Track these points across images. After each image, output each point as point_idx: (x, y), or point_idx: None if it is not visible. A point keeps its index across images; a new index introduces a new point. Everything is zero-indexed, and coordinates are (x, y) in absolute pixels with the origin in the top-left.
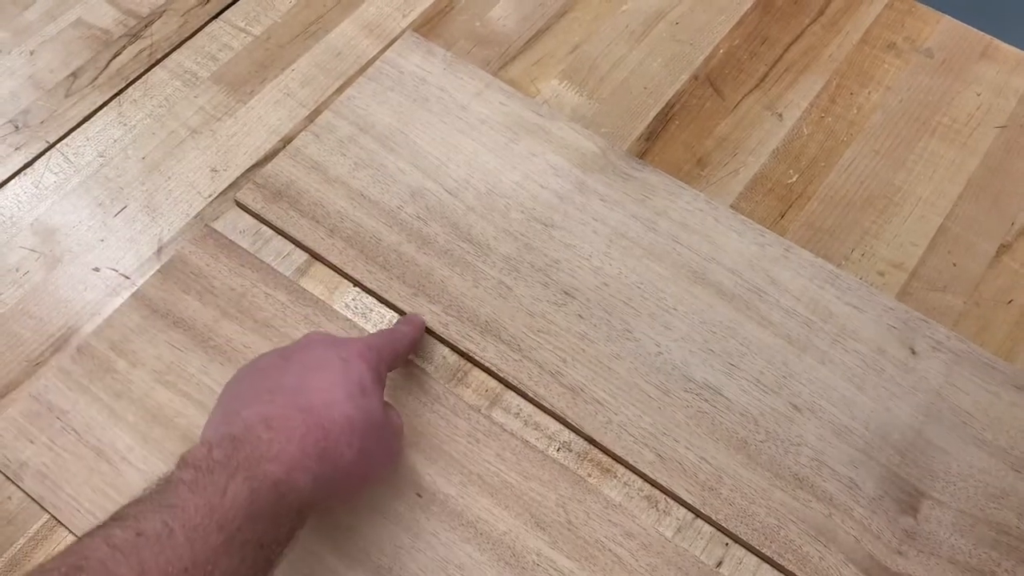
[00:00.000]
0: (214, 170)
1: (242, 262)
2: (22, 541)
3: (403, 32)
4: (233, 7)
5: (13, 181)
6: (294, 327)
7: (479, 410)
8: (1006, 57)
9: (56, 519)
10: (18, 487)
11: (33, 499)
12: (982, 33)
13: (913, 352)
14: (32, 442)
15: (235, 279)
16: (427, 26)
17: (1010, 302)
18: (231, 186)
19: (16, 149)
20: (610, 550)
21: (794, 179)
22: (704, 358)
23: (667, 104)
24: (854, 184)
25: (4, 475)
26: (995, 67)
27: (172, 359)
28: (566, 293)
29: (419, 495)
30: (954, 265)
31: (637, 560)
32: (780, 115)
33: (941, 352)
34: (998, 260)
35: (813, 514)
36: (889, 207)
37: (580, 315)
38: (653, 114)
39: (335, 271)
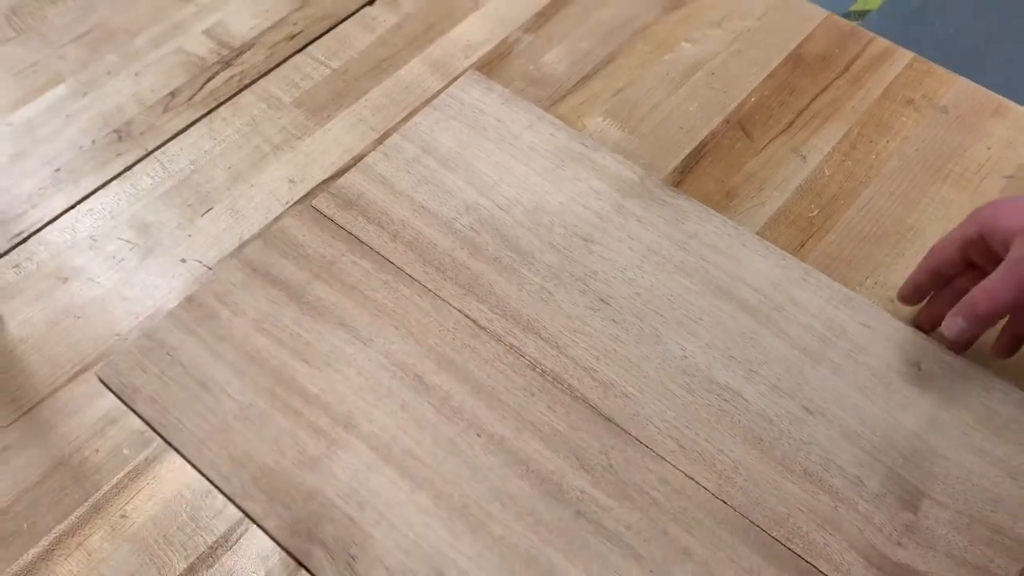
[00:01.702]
0: (292, 181)
1: (333, 235)
2: (138, 460)
3: (465, 71)
4: (315, 43)
5: (115, 182)
6: (375, 290)
7: (535, 367)
8: (1016, 116)
9: (163, 438)
10: (131, 408)
11: (144, 419)
12: (995, 94)
13: (919, 368)
14: (144, 372)
15: (326, 248)
16: (487, 67)
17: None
18: (306, 195)
19: (119, 155)
20: (646, 492)
21: (815, 213)
22: (726, 363)
23: (700, 143)
24: (870, 221)
25: (120, 398)
26: (1005, 124)
27: (269, 311)
28: (602, 300)
29: (479, 435)
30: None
31: (670, 502)
32: (804, 157)
33: (945, 370)
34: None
35: (820, 505)
36: (902, 243)
37: (613, 320)
38: (687, 151)
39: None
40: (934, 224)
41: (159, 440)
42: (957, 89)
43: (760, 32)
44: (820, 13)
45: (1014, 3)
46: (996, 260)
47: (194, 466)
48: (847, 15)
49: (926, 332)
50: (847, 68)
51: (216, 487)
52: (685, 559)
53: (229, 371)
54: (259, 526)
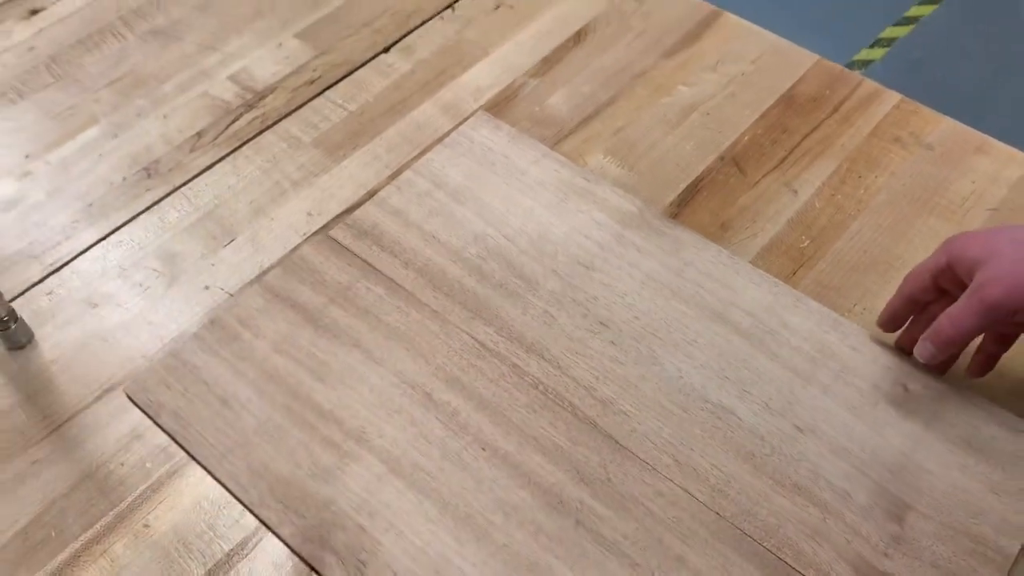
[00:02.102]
0: (309, 214)
1: (349, 262)
2: (160, 473)
3: (474, 112)
4: (333, 87)
5: (143, 215)
6: (387, 314)
7: (537, 386)
8: (999, 153)
9: (186, 451)
10: (156, 423)
11: (168, 433)
12: (978, 132)
13: (906, 389)
14: (169, 389)
15: (342, 275)
16: (495, 108)
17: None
18: (323, 227)
19: (148, 190)
20: (643, 504)
21: (806, 244)
22: (720, 383)
23: (696, 178)
24: (859, 251)
25: (146, 412)
26: (988, 159)
27: (287, 333)
28: (602, 323)
29: (483, 449)
30: None
31: (665, 513)
32: (796, 191)
33: (930, 391)
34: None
35: (810, 517)
36: (889, 271)
37: (613, 342)
38: (684, 185)
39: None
40: (920, 254)
41: (181, 454)
42: (942, 128)
43: (754, 76)
44: (811, 57)
45: (1017, 54)
46: (963, 287)
47: (215, 477)
48: (850, 65)
49: (908, 355)
50: (837, 108)
51: (235, 497)
52: (680, 567)
53: (249, 389)
54: (274, 533)
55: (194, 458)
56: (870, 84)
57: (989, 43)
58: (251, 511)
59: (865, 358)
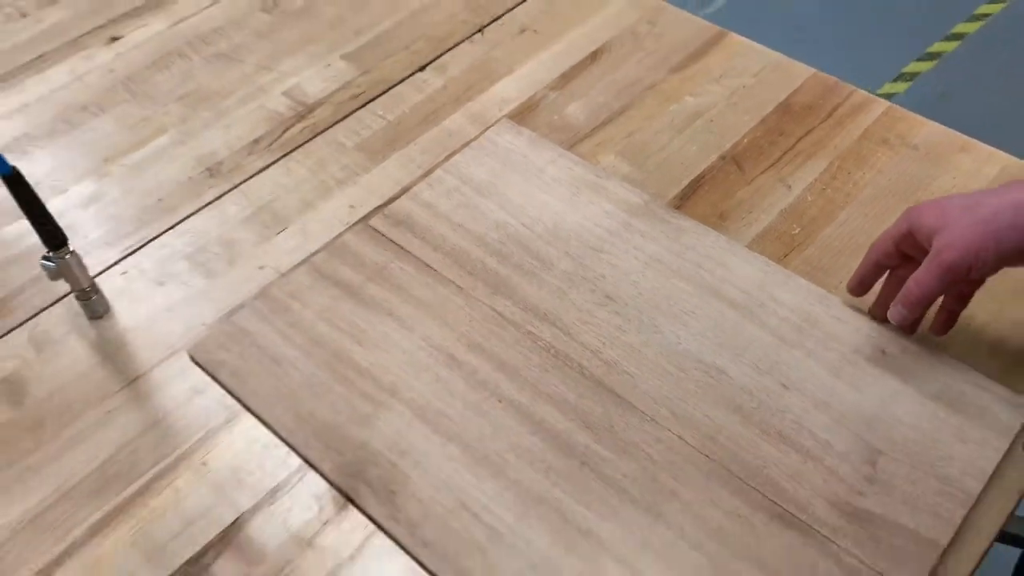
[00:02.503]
0: (351, 207)
1: (385, 247)
2: (218, 421)
3: (499, 120)
4: (375, 101)
5: (206, 209)
6: (417, 289)
7: (549, 350)
8: (979, 151)
9: (241, 402)
10: (215, 379)
11: (225, 387)
12: (962, 134)
13: (883, 353)
14: (227, 351)
15: (379, 257)
16: (517, 117)
17: (968, 324)
18: (363, 218)
19: (210, 188)
20: (642, 449)
21: (797, 231)
22: (713, 348)
23: (698, 175)
24: (846, 237)
25: (206, 371)
26: (970, 158)
27: (330, 304)
28: (608, 297)
29: (499, 401)
30: None
31: (662, 456)
32: (789, 186)
33: (907, 354)
34: None
35: (792, 461)
36: None
37: (618, 313)
38: (686, 182)
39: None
40: None
41: (236, 406)
42: (928, 131)
43: (755, 87)
44: (808, 71)
45: None
46: (923, 251)
47: (265, 423)
48: None
49: (879, 321)
50: (830, 115)
51: (282, 439)
52: (673, 499)
53: (297, 350)
54: (316, 469)
55: (248, 408)
56: (861, 94)
57: (1011, 79)
58: (296, 451)
59: (847, 327)
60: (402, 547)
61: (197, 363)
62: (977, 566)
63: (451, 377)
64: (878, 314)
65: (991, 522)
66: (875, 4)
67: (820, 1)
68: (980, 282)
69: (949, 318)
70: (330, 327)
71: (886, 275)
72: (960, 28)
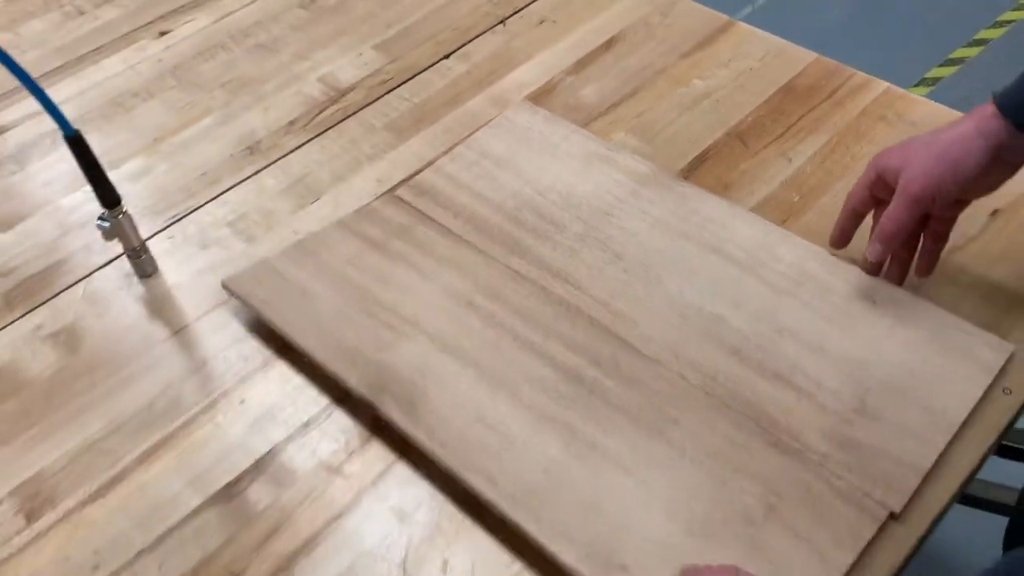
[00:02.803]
0: (379, 180)
1: (409, 213)
2: (254, 366)
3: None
4: (402, 86)
5: (246, 182)
6: (439, 248)
7: (561, 303)
8: None
9: (273, 325)
10: (248, 304)
11: (257, 310)
12: (957, 111)
13: (873, 301)
14: (260, 284)
15: (403, 220)
16: (535, 99)
17: (955, 283)
18: (389, 190)
19: (250, 163)
20: (646, 384)
21: (796, 199)
22: (714, 299)
23: (704, 150)
24: (842, 204)
25: (243, 299)
26: None
27: (357, 253)
28: (617, 255)
29: (515, 339)
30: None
31: (664, 390)
32: (790, 159)
33: (895, 303)
34: (948, 257)
35: (786, 397)
36: (868, 220)
37: (625, 270)
38: (693, 156)
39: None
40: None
41: (270, 352)
42: (925, 109)
43: (760, 71)
44: (811, 55)
45: None
46: (893, 193)
47: (297, 345)
48: None
49: (869, 271)
50: (831, 95)
51: (312, 358)
52: (675, 426)
53: (325, 287)
54: (343, 384)
55: (280, 329)
56: (861, 75)
57: None
58: (324, 367)
59: (840, 280)
60: (422, 450)
61: (229, 290)
62: (956, 495)
63: (468, 317)
64: (872, 270)
65: (971, 453)
66: (899, 9)
67: (846, 7)
68: (952, 219)
69: (930, 258)
70: (356, 270)
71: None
72: (983, 34)
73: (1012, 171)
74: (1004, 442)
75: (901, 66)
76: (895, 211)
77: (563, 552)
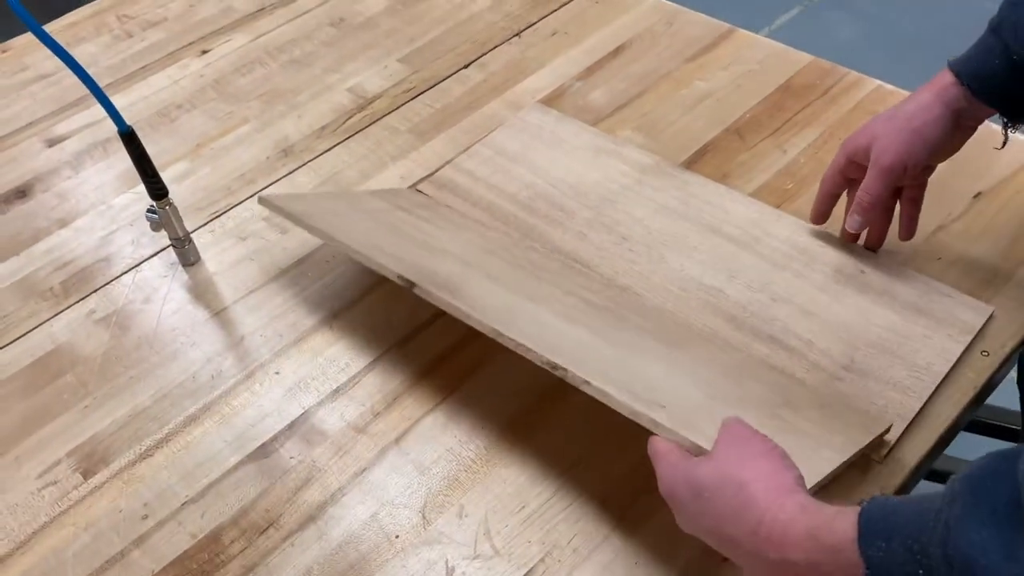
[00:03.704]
0: (402, 178)
1: (428, 203)
2: (287, 341)
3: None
4: (424, 93)
5: (280, 181)
6: (459, 227)
7: (571, 265)
8: None
9: (312, 229)
10: (289, 214)
11: (298, 219)
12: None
13: (863, 271)
14: (298, 202)
15: (424, 201)
16: (546, 102)
17: (939, 258)
18: (412, 186)
19: (284, 165)
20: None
21: (790, 186)
22: (712, 272)
23: (704, 144)
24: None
25: (282, 210)
26: None
27: (387, 209)
28: (623, 237)
29: (538, 279)
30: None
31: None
32: (785, 151)
33: (882, 272)
34: (933, 236)
35: (779, 357)
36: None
37: (631, 249)
38: (694, 150)
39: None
40: None
41: (306, 328)
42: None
43: (759, 73)
44: (807, 57)
45: None
46: (865, 171)
47: (338, 242)
48: None
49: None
50: (826, 92)
51: (354, 251)
52: (685, 350)
53: (360, 217)
54: (387, 271)
55: (318, 232)
56: (855, 75)
57: None
58: (367, 258)
59: (830, 253)
60: (465, 318)
61: (267, 204)
62: (934, 448)
63: (491, 261)
64: (849, 238)
65: (950, 409)
66: (915, 30)
67: (862, 28)
68: (923, 184)
69: (910, 223)
70: (385, 216)
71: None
72: None
73: (971, 132)
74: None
75: (913, 86)
76: (870, 184)
77: (606, 387)
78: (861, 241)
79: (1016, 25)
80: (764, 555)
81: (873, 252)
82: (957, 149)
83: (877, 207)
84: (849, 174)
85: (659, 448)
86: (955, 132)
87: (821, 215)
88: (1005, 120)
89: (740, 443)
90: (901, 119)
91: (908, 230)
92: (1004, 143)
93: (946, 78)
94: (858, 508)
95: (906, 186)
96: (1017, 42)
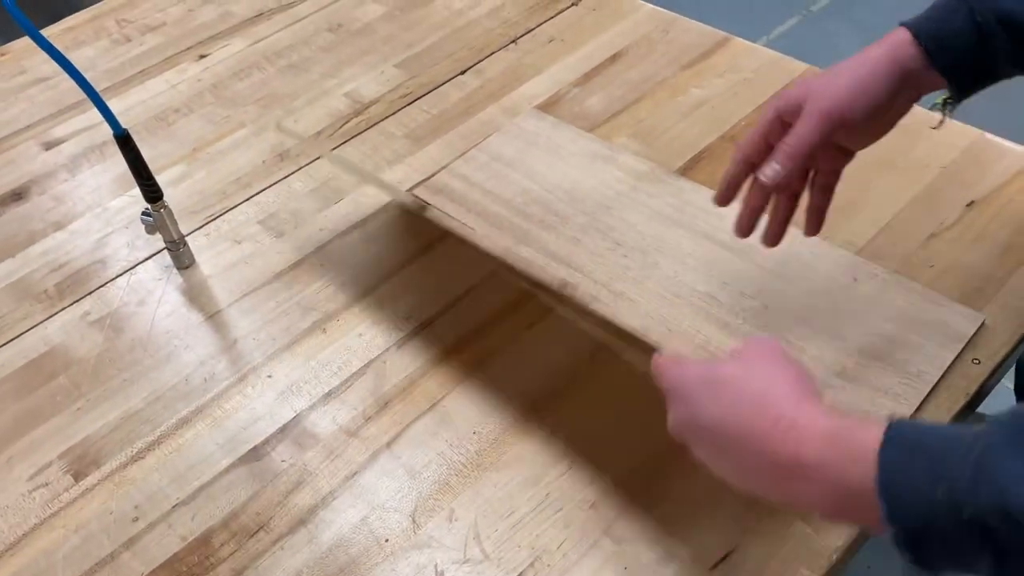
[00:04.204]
0: (398, 183)
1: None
2: (279, 344)
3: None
4: (421, 99)
5: (276, 185)
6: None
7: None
8: (952, 127)
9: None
10: None
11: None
12: (934, 113)
13: (855, 280)
14: None
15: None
16: (543, 109)
17: (932, 266)
18: (408, 191)
19: (280, 169)
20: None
21: None
22: (707, 279)
23: (699, 152)
24: None
25: None
26: (944, 132)
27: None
28: (616, 243)
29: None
30: (894, 244)
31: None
32: None
33: (875, 281)
34: (926, 243)
35: None
36: (851, 209)
37: (625, 255)
38: (689, 156)
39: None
40: (879, 201)
41: (299, 333)
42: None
43: (754, 81)
44: (803, 66)
45: None
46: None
47: None
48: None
49: (742, 236)
50: None
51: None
52: None
53: None
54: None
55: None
56: None
57: None
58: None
59: (824, 260)
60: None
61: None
62: None
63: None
64: (744, 226)
65: (941, 416)
66: None
67: (861, 38)
68: (838, 172)
69: (820, 215)
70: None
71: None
72: None
73: (909, 104)
74: None
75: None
76: (801, 128)
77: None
78: (756, 237)
79: None
80: (776, 452)
81: (771, 247)
82: (889, 127)
83: (803, 154)
84: (772, 139)
85: (667, 356)
86: (898, 95)
87: (730, 187)
88: (947, 98)
89: (770, 351)
90: (844, 69)
91: (815, 224)
92: (941, 123)
93: (901, 35)
94: (885, 420)
95: (819, 171)
96: (984, 6)
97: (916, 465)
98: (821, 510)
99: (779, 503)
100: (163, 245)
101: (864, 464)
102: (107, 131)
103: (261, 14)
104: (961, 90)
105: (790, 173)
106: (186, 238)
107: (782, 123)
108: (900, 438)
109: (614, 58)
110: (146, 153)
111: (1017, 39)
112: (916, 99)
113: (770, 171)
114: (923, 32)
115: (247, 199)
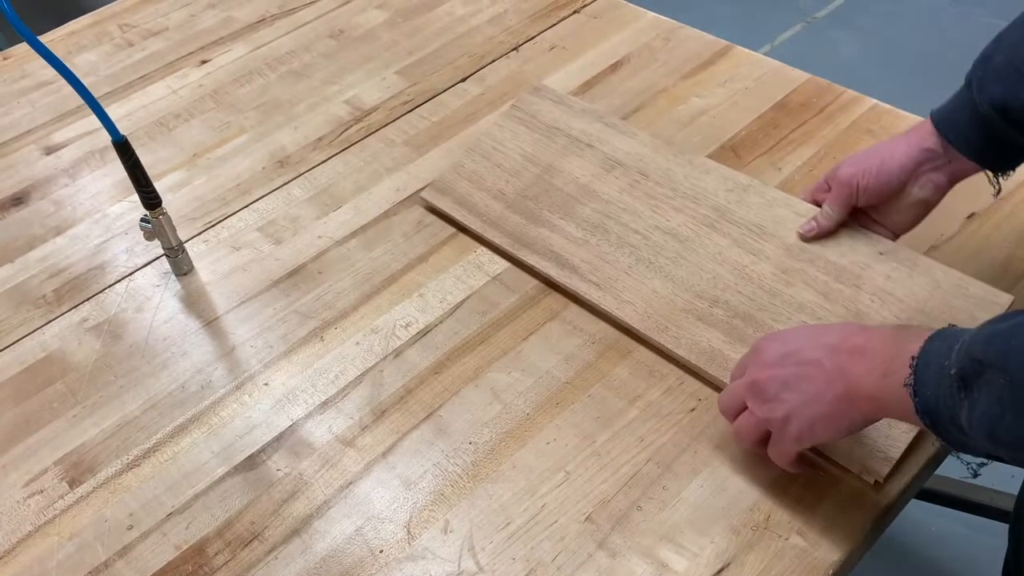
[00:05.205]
0: (398, 190)
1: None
2: (277, 352)
3: None
4: (422, 106)
5: (276, 191)
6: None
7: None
8: None
9: None
10: None
11: None
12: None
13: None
14: None
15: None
16: None
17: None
18: (408, 198)
19: (280, 175)
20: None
21: None
22: (712, 278)
23: None
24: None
25: None
26: None
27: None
28: (621, 239)
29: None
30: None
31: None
32: (780, 168)
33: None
34: (926, 255)
35: None
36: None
37: (630, 253)
38: None
39: (471, 233)
40: None
41: (296, 340)
42: (911, 122)
43: (755, 90)
44: (804, 75)
45: None
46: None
47: None
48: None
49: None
50: (822, 110)
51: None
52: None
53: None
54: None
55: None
56: (851, 93)
57: None
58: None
59: (826, 259)
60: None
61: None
62: (930, 461)
63: None
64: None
65: None
66: (917, 49)
67: (864, 46)
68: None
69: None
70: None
71: None
72: None
73: (940, 190)
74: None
75: (917, 107)
76: (829, 197)
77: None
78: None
79: (981, 81)
80: (848, 340)
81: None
82: (923, 209)
83: (830, 219)
84: (820, 196)
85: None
86: (916, 173)
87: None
88: (988, 171)
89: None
90: (872, 148)
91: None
92: (998, 192)
93: (926, 124)
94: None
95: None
96: (981, 96)
97: (942, 344)
98: (866, 386)
99: (824, 414)
100: (162, 251)
101: (915, 344)
102: (108, 137)
103: (263, 20)
104: (991, 167)
105: (824, 231)
106: (185, 244)
107: (827, 185)
108: (945, 331)
109: (615, 66)
110: (146, 158)
111: (1012, 121)
112: (949, 183)
113: (806, 227)
114: (940, 120)
115: (246, 206)
